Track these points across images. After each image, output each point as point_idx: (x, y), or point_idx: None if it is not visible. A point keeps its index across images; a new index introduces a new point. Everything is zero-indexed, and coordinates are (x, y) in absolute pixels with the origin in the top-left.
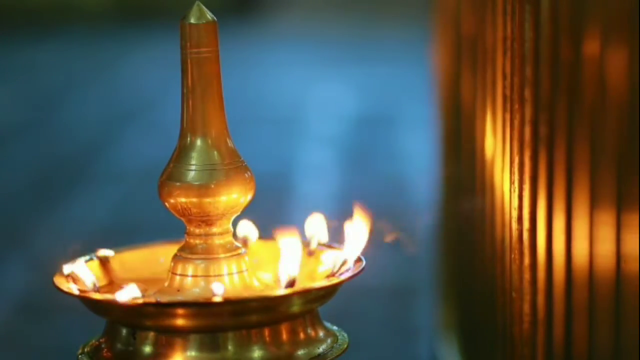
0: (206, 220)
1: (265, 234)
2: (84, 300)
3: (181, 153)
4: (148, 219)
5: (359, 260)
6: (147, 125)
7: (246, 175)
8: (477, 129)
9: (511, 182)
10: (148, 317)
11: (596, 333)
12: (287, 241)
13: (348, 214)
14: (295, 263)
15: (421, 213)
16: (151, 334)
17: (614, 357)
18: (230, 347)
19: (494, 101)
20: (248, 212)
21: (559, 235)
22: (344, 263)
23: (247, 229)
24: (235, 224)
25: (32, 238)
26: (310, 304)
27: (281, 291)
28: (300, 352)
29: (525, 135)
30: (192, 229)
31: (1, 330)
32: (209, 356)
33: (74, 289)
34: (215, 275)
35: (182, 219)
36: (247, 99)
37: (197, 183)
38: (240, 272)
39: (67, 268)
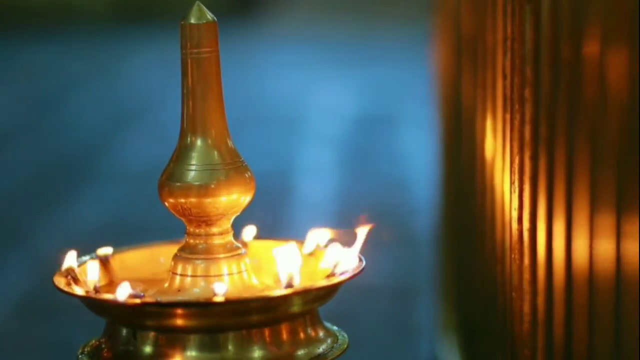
0: (206, 220)
1: (266, 234)
2: (84, 300)
3: (181, 153)
4: (148, 219)
5: (359, 260)
6: (147, 125)
7: (246, 175)
8: (477, 129)
9: (511, 182)
10: (148, 317)
11: (596, 333)
12: (284, 249)
13: (348, 215)
14: (296, 265)
15: (421, 213)
16: (151, 334)
17: (614, 358)
18: (230, 347)
19: (494, 101)
20: (248, 212)
21: (559, 235)
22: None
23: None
24: (239, 229)
25: (32, 238)
26: (311, 304)
27: (281, 291)
28: (301, 352)
29: (525, 135)
30: (192, 229)
31: (1, 330)
32: (209, 356)
33: (73, 289)
34: (215, 275)
35: (182, 219)
36: (247, 99)
37: (197, 183)
38: (240, 272)
39: (67, 268)
